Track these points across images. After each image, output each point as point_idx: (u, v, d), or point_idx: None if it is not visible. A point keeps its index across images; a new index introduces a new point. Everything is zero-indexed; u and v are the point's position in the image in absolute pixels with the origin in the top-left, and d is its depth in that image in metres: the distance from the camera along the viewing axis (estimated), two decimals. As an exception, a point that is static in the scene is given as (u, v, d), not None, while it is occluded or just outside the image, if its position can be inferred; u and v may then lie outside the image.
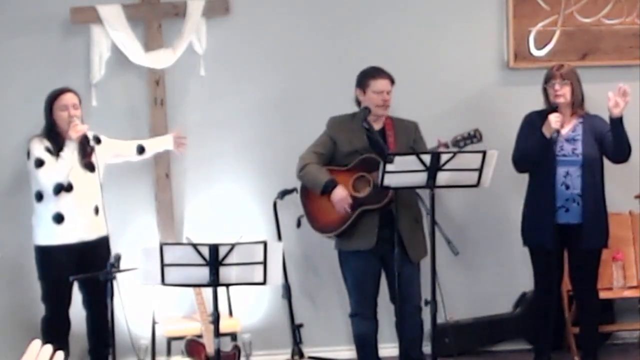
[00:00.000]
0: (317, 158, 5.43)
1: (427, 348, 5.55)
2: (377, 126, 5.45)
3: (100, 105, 5.93)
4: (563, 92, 5.43)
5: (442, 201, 5.61)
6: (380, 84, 5.40)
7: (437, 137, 5.32)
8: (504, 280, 6.24)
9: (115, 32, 5.89)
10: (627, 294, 6.00)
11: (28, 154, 5.42)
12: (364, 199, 5.29)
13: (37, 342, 2.45)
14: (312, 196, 5.44)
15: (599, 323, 5.80)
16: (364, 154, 5.32)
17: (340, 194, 5.30)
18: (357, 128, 5.41)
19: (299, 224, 5.75)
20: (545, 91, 5.51)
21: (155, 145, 5.87)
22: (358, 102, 5.49)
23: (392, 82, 5.44)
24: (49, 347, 2.40)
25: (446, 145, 5.27)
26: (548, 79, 5.49)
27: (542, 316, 5.59)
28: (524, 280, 5.97)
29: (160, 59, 5.95)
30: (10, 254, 5.83)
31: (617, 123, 5.34)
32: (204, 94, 6.09)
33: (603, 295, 5.82)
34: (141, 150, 5.79)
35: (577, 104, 5.50)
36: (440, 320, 5.12)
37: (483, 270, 6.26)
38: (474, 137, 5.30)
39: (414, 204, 5.34)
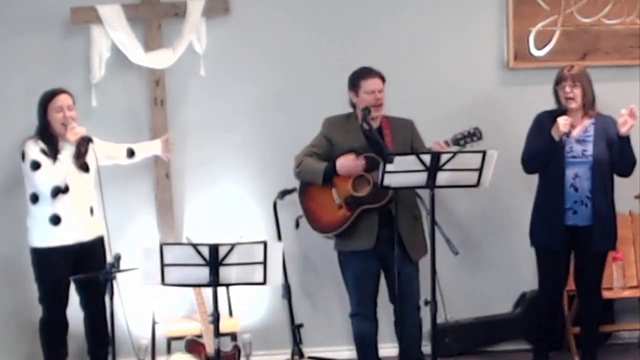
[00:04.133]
0: (314, 157, 5.42)
1: (427, 348, 5.55)
2: (373, 125, 5.44)
3: (100, 105, 5.94)
4: (574, 95, 5.42)
5: (442, 201, 5.61)
6: (371, 83, 5.37)
7: (435, 141, 5.31)
8: (504, 280, 6.24)
9: (115, 32, 5.89)
10: (627, 294, 6.00)
11: (23, 155, 5.40)
12: (364, 199, 5.29)
13: None
14: (311, 196, 5.43)
15: (600, 323, 5.81)
16: (362, 154, 5.31)
17: (345, 161, 5.27)
18: (353, 128, 5.39)
19: (297, 225, 5.75)
20: (555, 92, 5.50)
21: (145, 150, 5.85)
22: (352, 105, 5.48)
23: (383, 80, 5.42)
24: None
25: (446, 143, 5.25)
26: (559, 81, 5.47)
27: (546, 317, 5.60)
28: (524, 280, 5.98)
29: (160, 59, 5.95)
30: (6, 255, 5.83)
31: (623, 140, 5.38)
32: (204, 94, 6.09)
33: (603, 295, 5.82)
34: (131, 153, 5.77)
35: (589, 105, 5.48)
36: (440, 320, 5.11)
37: (483, 270, 6.26)
38: (473, 135, 5.28)
39: (413, 203, 5.34)
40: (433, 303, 4.97)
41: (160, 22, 6.01)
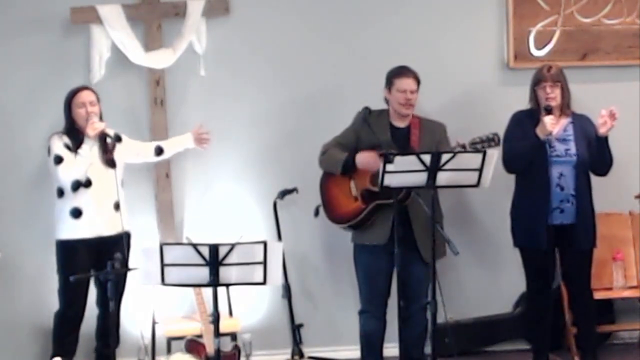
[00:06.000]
0: (339, 148, 5.46)
1: (427, 348, 5.55)
2: (402, 124, 5.49)
3: (101, 105, 5.93)
4: (555, 95, 5.45)
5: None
6: (404, 82, 5.44)
7: (456, 139, 5.31)
8: (504, 280, 6.23)
9: (115, 32, 5.89)
10: (627, 294, 6.00)
11: (49, 151, 5.45)
12: (379, 193, 5.29)
13: None
14: (331, 186, 5.49)
15: (598, 323, 5.82)
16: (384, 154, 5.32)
17: (365, 155, 5.32)
18: (382, 124, 5.44)
19: (317, 213, 5.74)
20: (533, 92, 5.52)
21: (175, 145, 5.86)
22: (386, 101, 5.52)
23: (418, 81, 5.48)
24: None
25: (463, 146, 5.24)
26: (538, 81, 5.50)
27: (539, 316, 5.61)
28: (524, 280, 5.96)
29: (160, 59, 5.95)
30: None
31: (602, 141, 5.41)
32: (204, 94, 6.09)
33: (603, 295, 5.84)
34: (159, 151, 5.79)
35: (567, 104, 5.52)
36: (440, 320, 5.12)
37: (483, 270, 6.26)
38: (492, 140, 5.26)
39: (434, 204, 5.36)
40: (433, 303, 4.98)
41: (160, 22, 6.01)
